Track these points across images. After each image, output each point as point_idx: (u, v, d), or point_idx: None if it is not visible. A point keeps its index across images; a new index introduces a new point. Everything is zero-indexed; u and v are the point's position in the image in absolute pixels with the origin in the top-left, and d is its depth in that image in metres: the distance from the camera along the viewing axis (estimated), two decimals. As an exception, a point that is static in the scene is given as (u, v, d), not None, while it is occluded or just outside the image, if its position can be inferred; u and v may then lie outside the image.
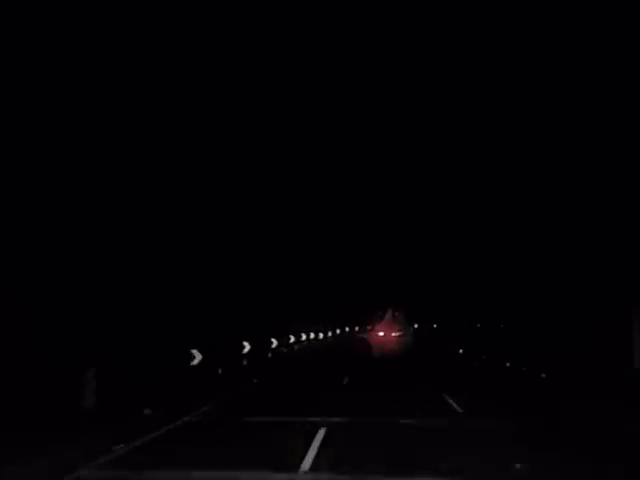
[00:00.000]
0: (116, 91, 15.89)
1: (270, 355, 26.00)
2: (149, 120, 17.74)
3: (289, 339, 31.91)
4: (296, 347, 33.12)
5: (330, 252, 48.57)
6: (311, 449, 8.26)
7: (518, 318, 30.81)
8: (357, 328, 74.33)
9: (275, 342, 27.64)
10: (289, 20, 20.20)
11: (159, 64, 17.77)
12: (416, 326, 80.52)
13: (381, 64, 23.93)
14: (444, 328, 63.14)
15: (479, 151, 27.93)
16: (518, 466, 7.75)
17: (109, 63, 15.40)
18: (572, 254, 21.36)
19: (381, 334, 74.32)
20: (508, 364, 23.18)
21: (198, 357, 15.29)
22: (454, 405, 12.80)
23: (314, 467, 7.36)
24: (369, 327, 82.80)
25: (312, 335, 36.91)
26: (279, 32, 20.50)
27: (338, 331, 55.79)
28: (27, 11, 12.60)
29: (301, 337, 36.30)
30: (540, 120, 21.13)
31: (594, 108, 18.59)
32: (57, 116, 13.88)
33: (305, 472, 7.18)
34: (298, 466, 7.35)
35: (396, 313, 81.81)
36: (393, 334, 73.15)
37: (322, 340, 41.69)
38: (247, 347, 22.01)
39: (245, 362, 21.42)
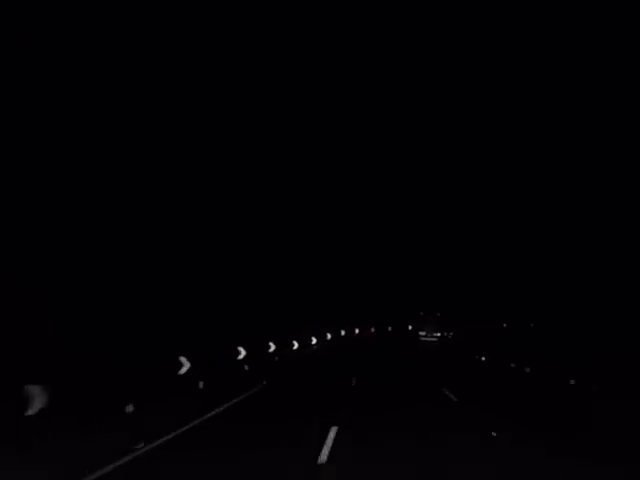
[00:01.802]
0: (116, 91, 15.78)
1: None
2: (149, 121, 17.61)
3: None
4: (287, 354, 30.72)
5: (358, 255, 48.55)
6: None
7: (551, 317, 30.26)
8: (357, 331, 73.72)
9: (273, 346, 26.58)
10: (289, 20, 20.01)
11: (159, 64, 17.70)
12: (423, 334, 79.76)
13: (383, 68, 23.68)
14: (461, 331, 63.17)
15: (510, 157, 27.76)
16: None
17: (109, 63, 15.32)
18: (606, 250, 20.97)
19: (422, 333, 75.14)
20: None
21: (186, 366, 14.69)
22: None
23: None
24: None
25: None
26: (279, 32, 20.31)
27: (329, 336, 47.49)
28: (27, 11, 12.48)
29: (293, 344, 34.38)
30: (558, 121, 20.79)
31: (596, 108, 18.27)
32: (60, 116, 13.85)
33: None
34: None
35: (438, 314, 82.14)
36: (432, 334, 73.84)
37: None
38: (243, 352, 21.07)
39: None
